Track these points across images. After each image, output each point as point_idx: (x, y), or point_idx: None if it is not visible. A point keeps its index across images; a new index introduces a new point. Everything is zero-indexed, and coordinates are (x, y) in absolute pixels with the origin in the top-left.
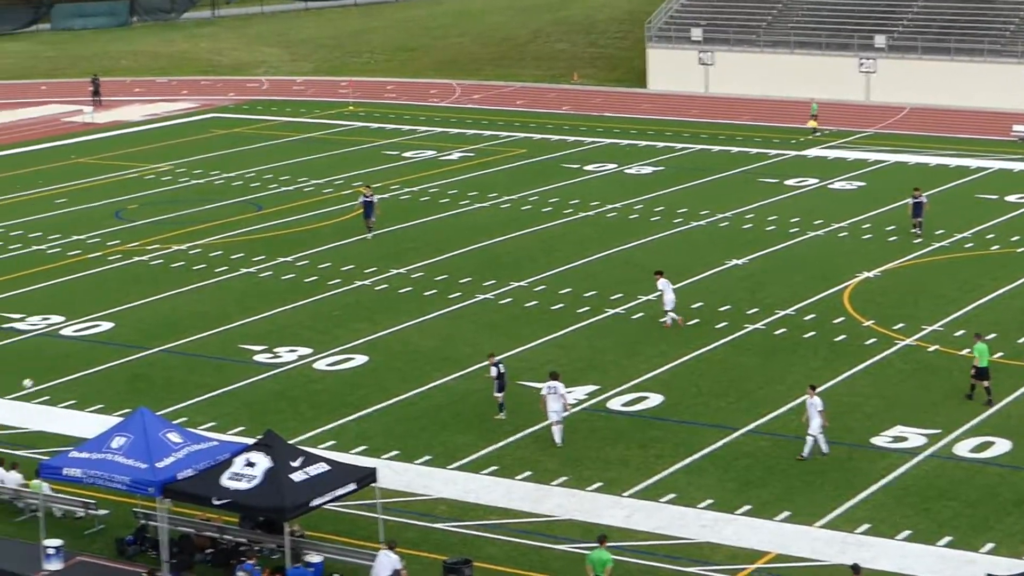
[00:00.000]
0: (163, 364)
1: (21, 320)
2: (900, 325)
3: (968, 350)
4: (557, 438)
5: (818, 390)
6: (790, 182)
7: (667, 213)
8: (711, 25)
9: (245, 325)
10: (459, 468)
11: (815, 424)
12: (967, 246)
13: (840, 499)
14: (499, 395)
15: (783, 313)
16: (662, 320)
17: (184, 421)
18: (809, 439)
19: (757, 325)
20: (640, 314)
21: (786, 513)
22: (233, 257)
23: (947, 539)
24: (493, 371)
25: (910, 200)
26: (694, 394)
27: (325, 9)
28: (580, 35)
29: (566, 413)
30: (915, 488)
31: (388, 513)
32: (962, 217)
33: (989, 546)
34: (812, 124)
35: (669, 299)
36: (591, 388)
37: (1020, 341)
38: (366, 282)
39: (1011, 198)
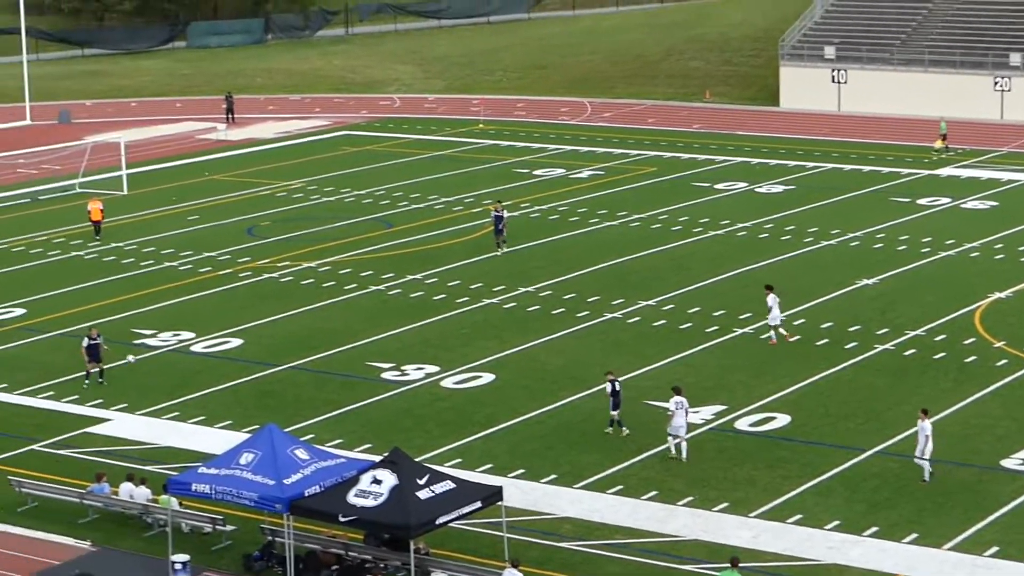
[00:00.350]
0: (292, 381)
1: (152, 336)
2: None
3: None
4: (684, 454)
5: (945, 412)
6: (922, 201)
7: (798, 232)
8: (844, 43)
9: (373, 342)
10: (585, 487)
11: (927, 448)
12: None
13: (969, 521)
14: (614, 412)
15: (913, 333)
16: (766, 336)
17: (311, 438)
18: (925, 463)
19: (887, 345)
20: (769, 334)
21: (914, 535)
22: (362, 274)
23: None
24: (608, 387)
25: None
26: (822, 415)
27: (458, 27)
28: (713, 53)
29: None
30: None
31: (513, 531)
32: None
33: None
34: (939, 144)
35: (775, 315)
36: (719, 408)
37: None
38: (494, 300)
39: None
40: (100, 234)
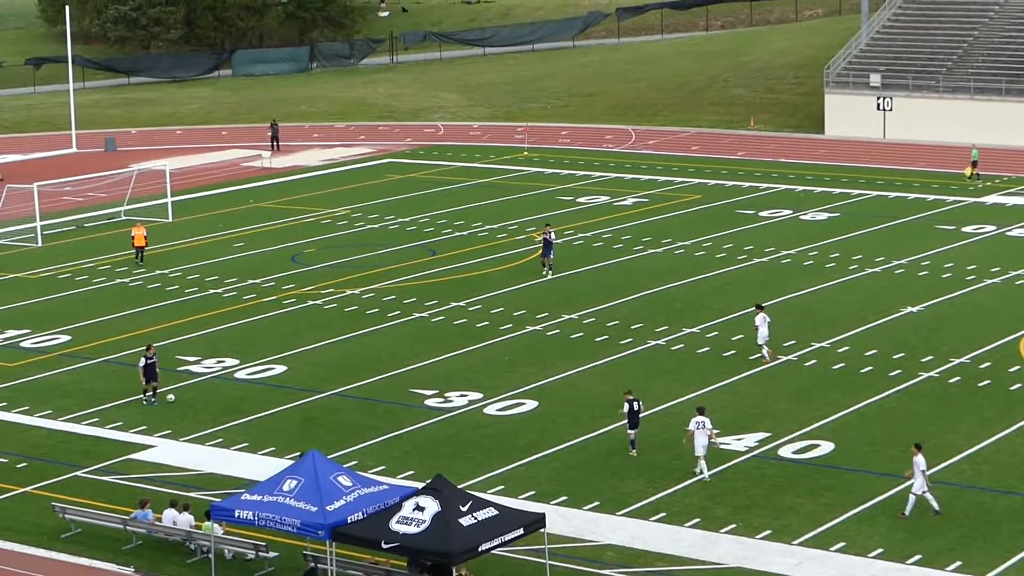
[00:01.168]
0: (335, 407)
1: (196, 363)
2: None
3: None
4: (706, 473)
5: (990, 440)
6: (967, 229)
7: (842, 260)
8: (890, 71)
9: (416, 369)
10: (627, 514)
11: (918, 483)
12: None
13: (1013, 550)
14: (631, 432)
15: (958, 361)
16: (757, 356)
17: (354, 464)
18: (912, 497)
19: (931, 373)
20: (813, 361)
21: (958, 563)
22: (406, 301)
23: None
24: (626, 407)
25: None
26: (866, 442)
27: (503, 55)
28: (758, 80)
29: (705, 449)
30: None
31: (556, 559)
32: None
33: None
34: (969, 171)
35: (763, 334)
36: (762, 435)
37: None
38: (538, 327)
39: None
40: (143, 259)
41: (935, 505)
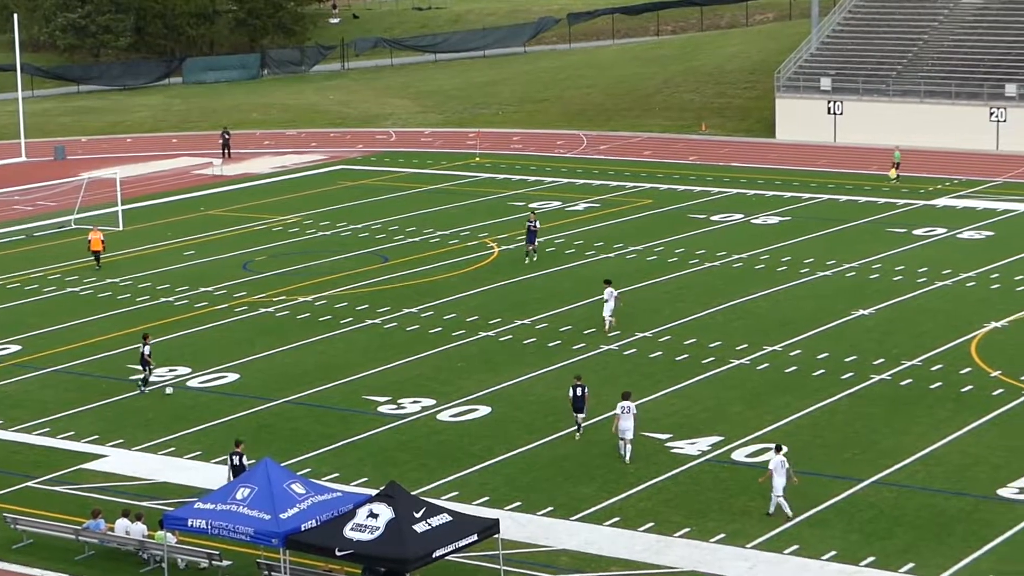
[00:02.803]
0: (288, 415)
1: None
2: None
3: None
4: (627, 456)
5: (942, 442)
6: (918, 232)
7: (794, 263)
8: (840, 75)
9: (370, 376)
10: (582, 519)
11: (779, 484)
12: None
13: (965, 551)
14: (576, 415)
15: (909, 363)
16: (607, 326)
17: (308, 472)
18: (774, 498)
19: (883, 376)
20: (765, 364)
21: (911, 564)
22: (358, 308)
23: None
24: (571, 391)
25: None
26: (818, 445)
27: (454, 61)
28: (709, 85)
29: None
30: None
31: (510, 564)
32: None
33: None
34: (893, 172)
35: (609, 307)
36: (715, 439)
37: None
38: (491, 333)
39: None
40: (100, 264)
41: (787, 510)
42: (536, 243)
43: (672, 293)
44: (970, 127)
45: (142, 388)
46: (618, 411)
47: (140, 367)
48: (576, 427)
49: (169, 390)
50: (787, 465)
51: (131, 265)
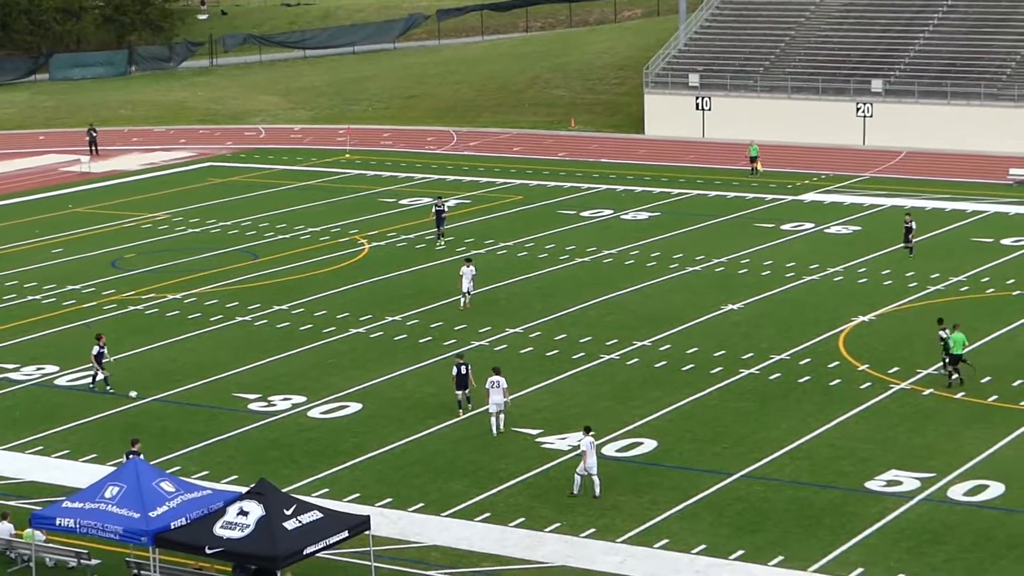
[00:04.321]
0: (157, 413)
1: (15, 370)
2: (895, 369)
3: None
4: (495, 429)
5: (810, 435)
6: (786, 227)
7: (663, 258)
8: (708, 71)
9: (239, 373)
10: (453, 515)
11: (590, 463)
12: (963, 289)
13: (834, 544)
14: (458, 392)
15: (778, 358)
16: (463, 300)
17: (177, 470)
18: (577, 477)
19: (752, 370)
20: (635, 360)
21: (780, 558)
22: (228, 306)
23: None
24: (454, 369)
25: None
26: (688, 439)
27: (323, 57)
28: (578, 81)
29: (504, 404)
30: (909, 532)
31: (381, 561)
32: (957, 261)
33: None
34: (759, 166)
35: (467, 284)
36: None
37: (1016, 384)
38: (361, 330)
39: (1006, 241)
40: None
41: (597, 491)
42: (444, 226)
43: (542, 289)
44: (837, 122)
45: (92, 388)
46: (488, 386)
47: (93, 367)
48: (460, 403)
49: (132, 394)
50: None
51: None
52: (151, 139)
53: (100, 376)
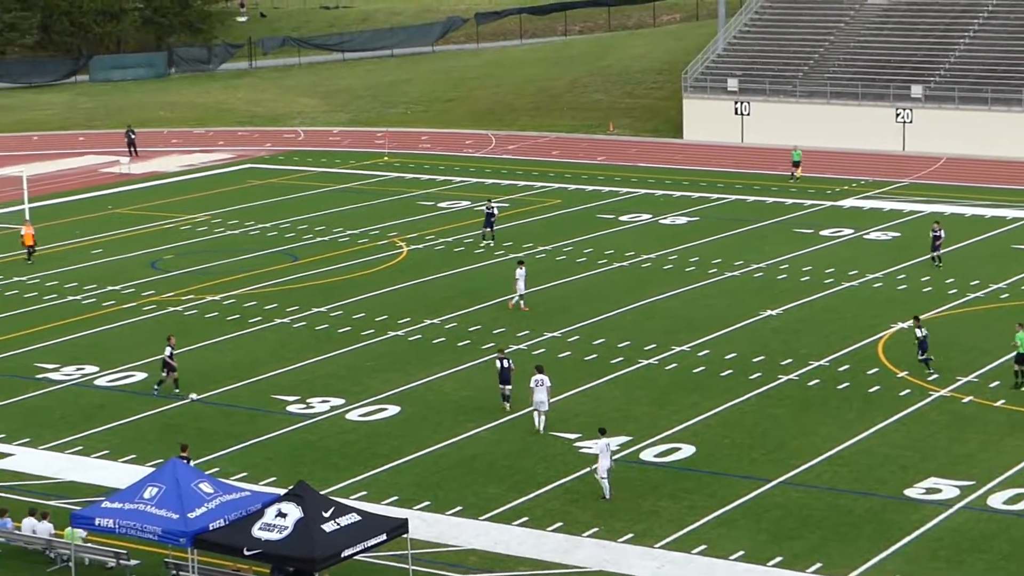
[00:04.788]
0: (196, 414)
1: (55, 370)
2: (934, 376)
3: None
4: (540, 427)
5: (849, 442)
6: (825, 232)
7: (702, 263)
8: (747, 75)
9: (278, 375)
10: (490, 519)
11: (603, 466)
12: (1002, 297)
13: (873, 551)
14: (503, 387)
15: (817, 364)
16: (515, 304)
17: (216, 471)
18: (601, 480)
19: (791, 376)
20: (674, 365)
21: (818, 565)
22: (267, 307)
23: None
24: (498, 364)
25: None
26: (727, 445)
27: (362, 60)
28: (616, 85)
29: (548, 403)
30: (949, 540)
31: (418, 564)
32: (997, 268)
33: None
34: (799, 172)
35: (520, 287)
36: (623, 439)
37: None
38: (400, 332)
39: None
40: (32, 259)
41: (607, 493)
42: (493, 228)
43: (580, 293)
44: (876, 128)
45: (157, 392)
46: (532, 384)
47: (164, 371)
48: (505, 398)
49: (193, 396)
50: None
51: (38, 263)
52: (190, 141)
53: (167, 377)
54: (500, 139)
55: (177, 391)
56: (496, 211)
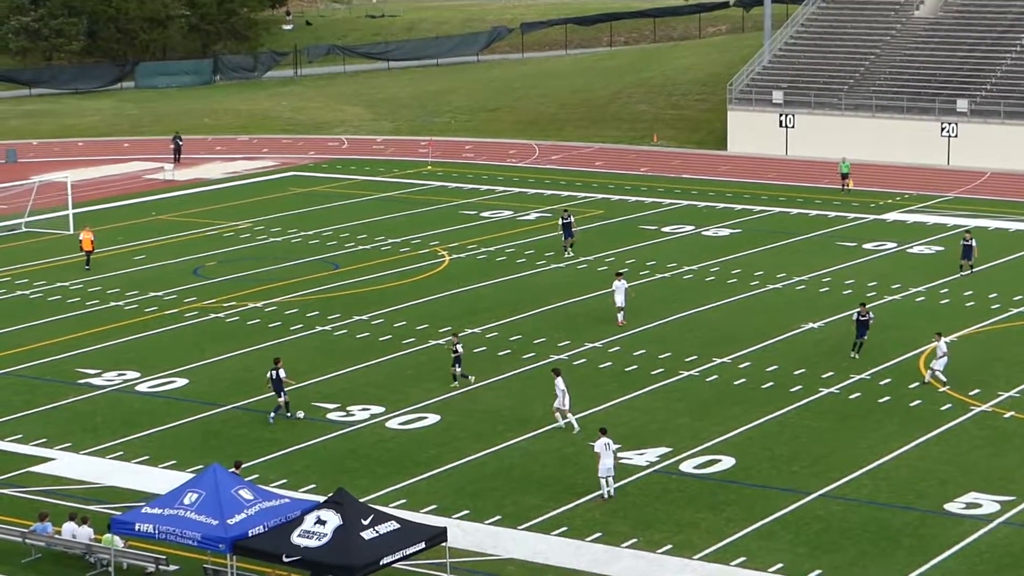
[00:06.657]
0: (236, 421)
1: (97, 376)
2: (976, 391)
3: None
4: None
5: (889, 456)
6: (868, 246)
7: (744, 276)
8: (792, 88)
9: (319, 383)
10: (529, 528)
11: (604, 465)
12: None
13: (912, 565)
14: (454, 368)
15: (858, 377)
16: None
17: (256, 478)
18: (604, 480)
19: (832, 389)
20: (714, 376)
21: None
22: (308, 315)
23: None
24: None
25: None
26: (767, 457)
27: (407, 69)
28: (661, 96)
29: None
30: (989, 555)
31: (457, 573)
32: None
33: None
34: (850, 183)
35: (620, 299)
36: (663, 450)
37: None
38: (440, 341)
39: None
40: (90, 264)
41: (610, 491)
42: (573, 237)
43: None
44: (921, 142)
45: (274, 415)
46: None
47: (276, 392)
48: (455, 378)
49: (300, 414)
50: (613, 447)
51: (81, 269)
52: (234, 148)
53: (282, 400)
54: (544, 149)
55: (288, 415)
56: (573, 219)
